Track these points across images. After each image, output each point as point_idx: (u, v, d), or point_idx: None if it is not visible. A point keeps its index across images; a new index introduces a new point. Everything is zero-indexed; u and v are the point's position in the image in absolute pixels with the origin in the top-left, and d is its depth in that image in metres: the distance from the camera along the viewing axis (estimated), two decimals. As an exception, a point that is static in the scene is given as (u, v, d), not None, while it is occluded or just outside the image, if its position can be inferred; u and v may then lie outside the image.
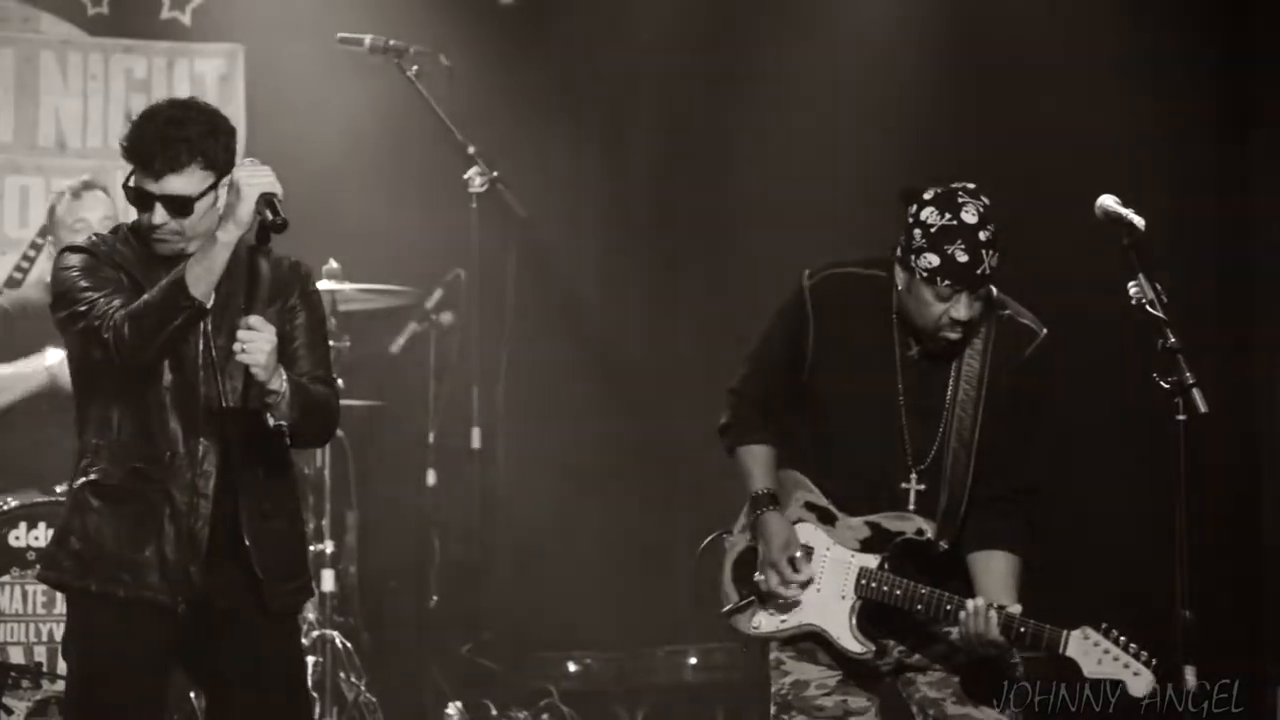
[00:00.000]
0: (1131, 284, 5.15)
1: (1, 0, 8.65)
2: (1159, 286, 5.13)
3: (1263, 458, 8.46)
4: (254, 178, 5.00)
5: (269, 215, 4.98)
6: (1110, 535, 8.06)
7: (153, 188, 5.04)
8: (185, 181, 5.05)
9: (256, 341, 4.98)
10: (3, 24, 8.64)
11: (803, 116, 8.59)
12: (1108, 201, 5.27)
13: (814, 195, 8.39)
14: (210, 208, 5.05)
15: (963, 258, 5.17)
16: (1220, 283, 8.40)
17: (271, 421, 5.08)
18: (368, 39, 7.88)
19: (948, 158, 5.57)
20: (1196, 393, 5.07)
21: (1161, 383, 5.10)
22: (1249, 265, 8.55)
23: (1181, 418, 5.10)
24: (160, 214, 5.05)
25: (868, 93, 8.53)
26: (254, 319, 5.01)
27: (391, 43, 7.85)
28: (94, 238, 5.25)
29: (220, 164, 5.07)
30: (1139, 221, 5.22)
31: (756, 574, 5.45)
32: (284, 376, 5.06)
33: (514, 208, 7.78)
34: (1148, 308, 5.14)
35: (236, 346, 4.97)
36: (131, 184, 5.08)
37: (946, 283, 5.19)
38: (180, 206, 5.04)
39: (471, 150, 7.75)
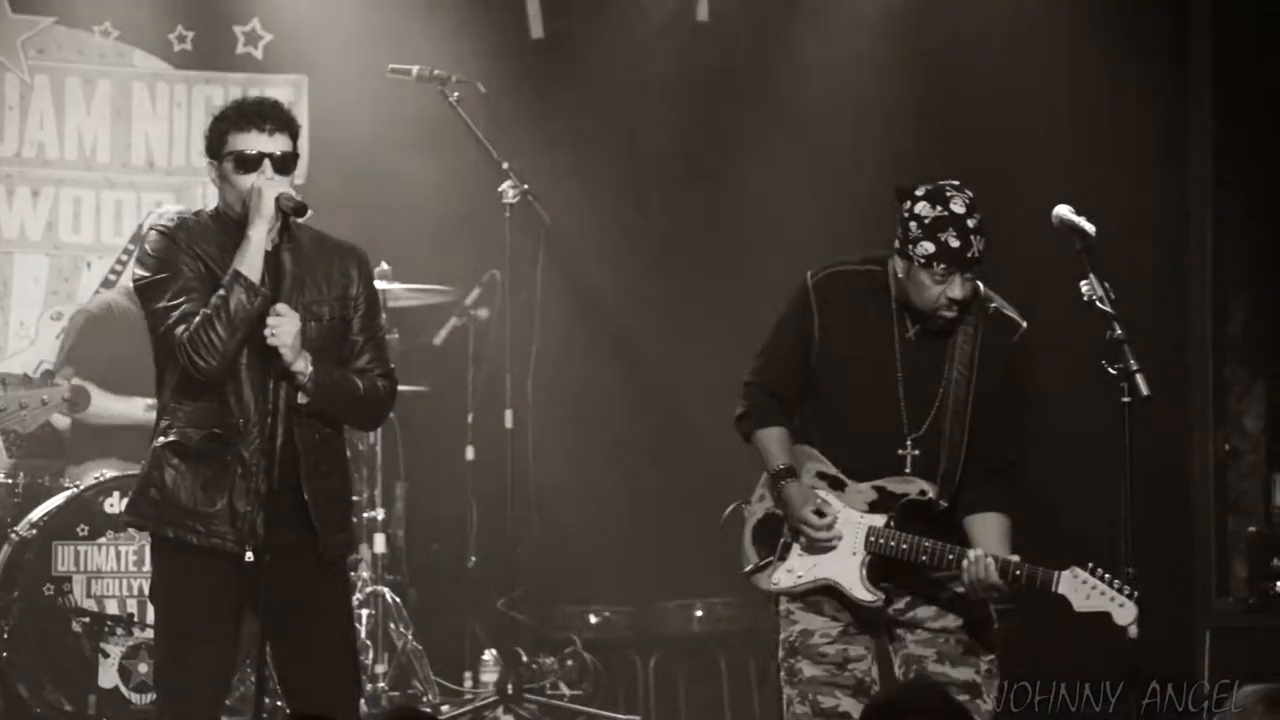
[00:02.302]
0: (1083, 282, 5.16)
1: (100, 39, 8.63)
2: (1107, 284, 5.15)
3: (1193, 435, 8.46)
4: (270, 184, 5.09)
5: (288, 206, 5.08)
6: (1064, 500, 8.06)
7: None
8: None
9: (284, 325, 5.05)
10: (102, 60, 8.65)
11: (796, 135, 8.59)
12: (1063, 210, 5.29)
13: (809, 204, 8.41)
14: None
15: (955, 243, 5.18)
16: (1158, 281, 8.38)
17: (299, 398, 5.12)
18: (415, 69, 7.89)
19: (929, 169, 5.57)
20: (1140, 378, 5.09)
21: (1109, 369, 5.11)
22: (1184, 265, 8.54)
23: (1126, 400, 5.11)
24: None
25: (852, 116, 8.54)
26: (280, 306, 5.07)
27: (435, 72, 7.86)
28: (177, 218, 5.25)
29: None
30: (1090, 228, 5.23)
31: (783, 537, 5.41)
32: (309, 360, 5.09)
33: (542, 216, 7.81)
34: (1097, 304, 5.14)
35: (266, 331, 5.03)
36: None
37: (942, 266, 5.20)
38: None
39: (505, 166, 7.77)
